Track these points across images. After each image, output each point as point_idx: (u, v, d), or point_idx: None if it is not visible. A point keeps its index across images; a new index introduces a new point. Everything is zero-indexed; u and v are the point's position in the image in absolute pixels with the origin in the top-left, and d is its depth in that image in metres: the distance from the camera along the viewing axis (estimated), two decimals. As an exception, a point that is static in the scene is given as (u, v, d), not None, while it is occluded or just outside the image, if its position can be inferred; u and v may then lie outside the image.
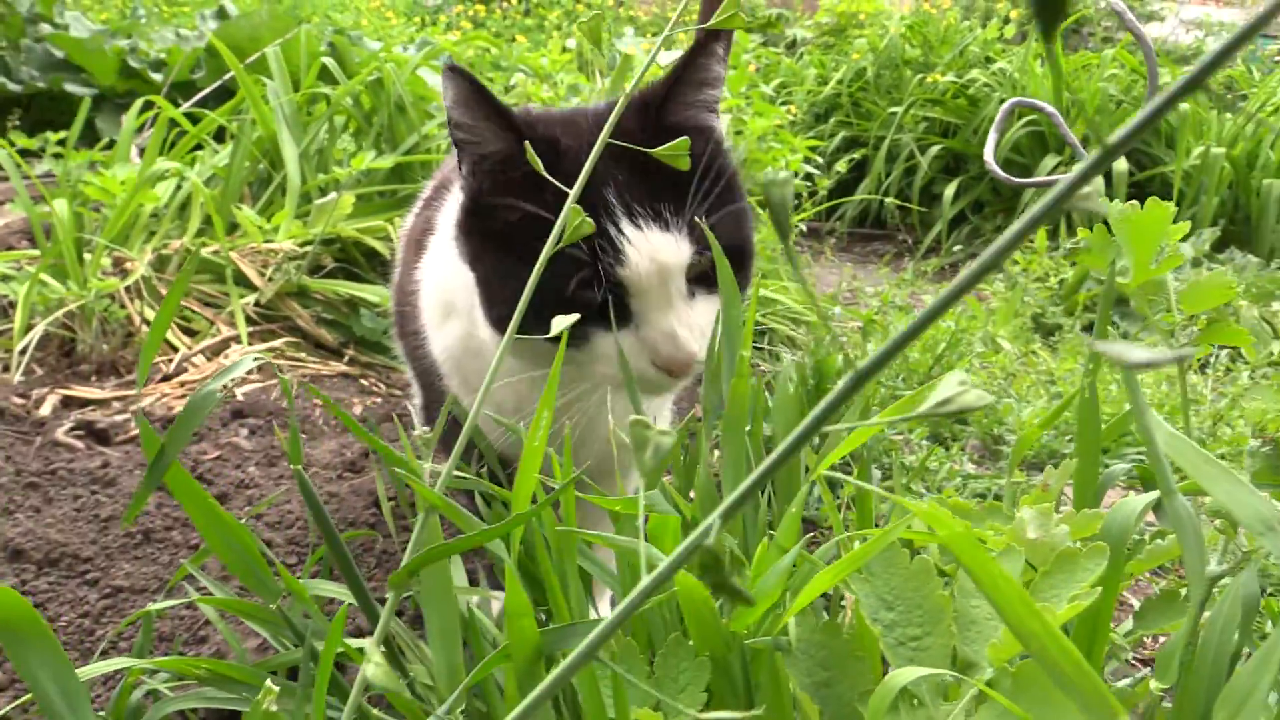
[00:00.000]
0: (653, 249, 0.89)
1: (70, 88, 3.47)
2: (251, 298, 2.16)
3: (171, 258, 2.17)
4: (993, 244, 0.36)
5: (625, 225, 0.89)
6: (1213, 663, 0.52)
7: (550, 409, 0.67)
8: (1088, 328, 3.41)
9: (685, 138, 0.76)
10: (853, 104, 5.18)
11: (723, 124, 3.05)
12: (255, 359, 0.92)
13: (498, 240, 0.93)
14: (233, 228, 2.28)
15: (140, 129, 2.81)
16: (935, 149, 4.65)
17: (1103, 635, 0.49)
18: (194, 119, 2.48)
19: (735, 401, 0.63)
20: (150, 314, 2.06)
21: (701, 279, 0.93)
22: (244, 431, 1.68)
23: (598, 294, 0.89)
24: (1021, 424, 2.03)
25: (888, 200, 4.49)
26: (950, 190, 4.54)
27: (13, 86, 3.35)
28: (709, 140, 0.96)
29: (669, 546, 0.55)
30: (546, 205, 0.88)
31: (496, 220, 0.93)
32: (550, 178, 0.76)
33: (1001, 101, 4.63)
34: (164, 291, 2.13)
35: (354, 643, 0.64)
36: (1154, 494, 0.58)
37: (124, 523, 1.27)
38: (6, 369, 1.91)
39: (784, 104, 5.34)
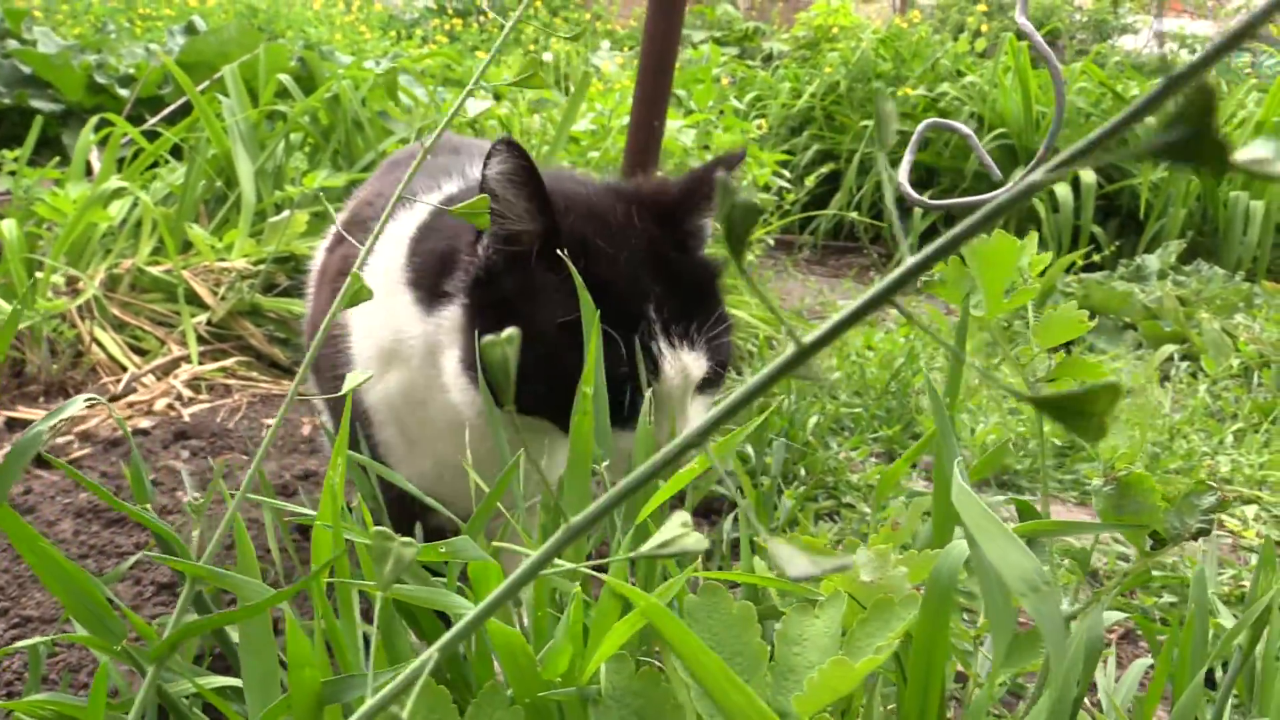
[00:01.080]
0: (684, 366, 0.95)
1: (36, 104, 3.45)
2: (203, 317, 2.15)
3: (123, 277, 2.17)
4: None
5: (663, 343, 0.94)
6: (1053, 707, 0.53)
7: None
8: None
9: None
10: (826, 117, 5.21)
11: (690, 137, 3.00)
12: (87, 399, 0.86)
13: (513, 317, 0.90)
14: (186, 246, 2.28)
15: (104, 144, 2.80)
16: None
17: (936, 677, 0.49)
18: (157, 136, 2.48)
19: (578, 440, 0.63)
20: (100, 334, 2.05)
21: (700, 386, 0.99)
22: (185, 454, 1.68)
23: (626, 398, 0.92)
24: (971, 440, 2.03)
25: (855, 215, 4.51)
26: (921, 203, 4.56)
27: (-28, 102, 3.34)
28: (715, 268, 1.02)
29: (484, 594, 0.55)
30: (576, 306, 0.86)
31: (514, 298, 0.94)
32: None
33: (971, 115, 4.67)
34: (116, 311, 2.12)
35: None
36: None
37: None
38: (-47, 390, 1.90)
39: (758, 117, 5.36)
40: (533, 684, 0.41)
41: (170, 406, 1.91)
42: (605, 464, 0.77)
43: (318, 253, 1.35)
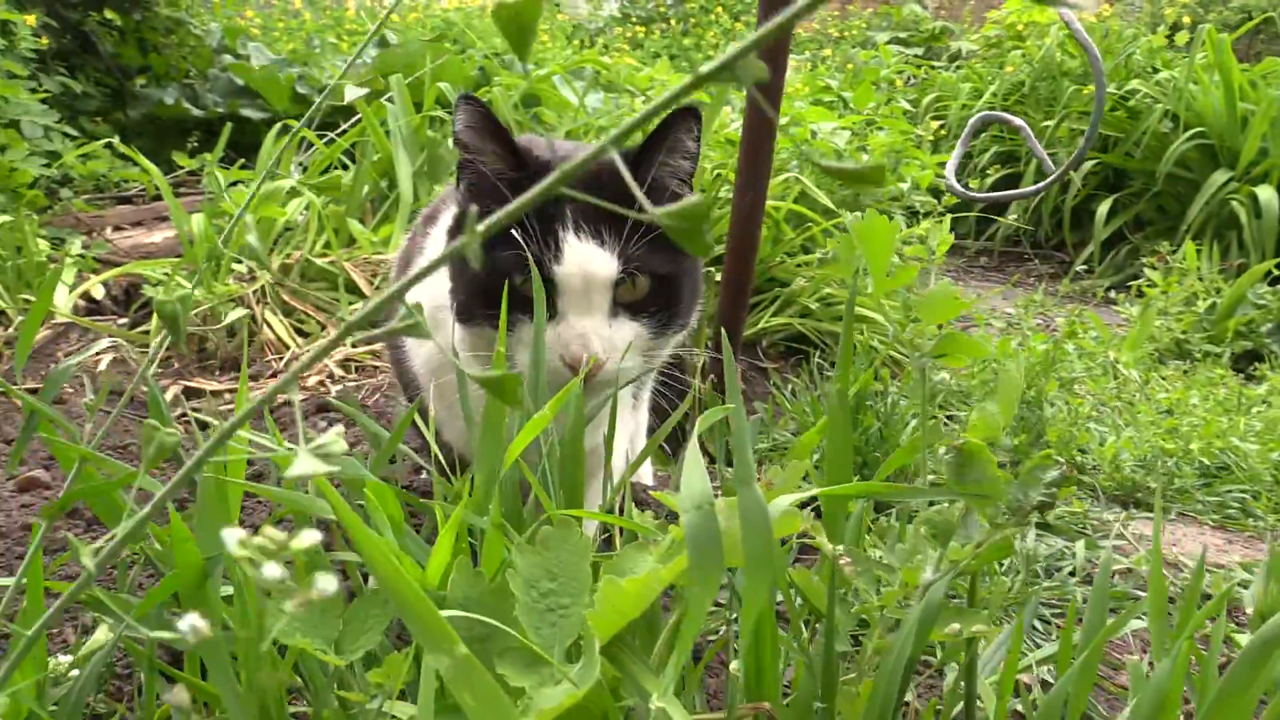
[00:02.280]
0: (585, 258, 1.02)
1: (247, 112, 3.84)
2: (360, 304, 2.35)
3: (293, 267, 2.40)
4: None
5: (569, 234, 1.02)
6: (888, 679, 0.55)
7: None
8: (1242, 357, 3.18)
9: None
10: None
11: (842, 139, 2.99)
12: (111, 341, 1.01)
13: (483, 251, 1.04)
14: (351, 240, 2.49)
15: (300, 150, 3.10)
16: (1090, 164, 4.44)
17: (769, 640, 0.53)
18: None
19: (491, 415, 0.70)
20: (270, 317, 2.28)
21: (631, 307, 1.05)
22: (323, 424, 1.85)
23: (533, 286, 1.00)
24: (1100, 453, 1.94)
25: (1012, 221, 4.31)
26: (1104, 208, 4.32)
27: (196, 111, 3.75)
28: (674, 194, 1.08)
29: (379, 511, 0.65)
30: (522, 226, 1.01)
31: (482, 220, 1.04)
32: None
33: (1165, 114, 4.38)
34: (285, 297, 2.35)
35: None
36: (811, 491, 0.60)
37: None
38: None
39: (937, 119, 5.23)
40: (406, 589, 0.48)
41: (321, 383, 2.10)
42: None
43: (401, 245, 1.49)
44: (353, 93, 0.80)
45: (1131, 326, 3.03)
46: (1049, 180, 1.25)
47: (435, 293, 1.16)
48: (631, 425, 1.30)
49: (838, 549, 0.62)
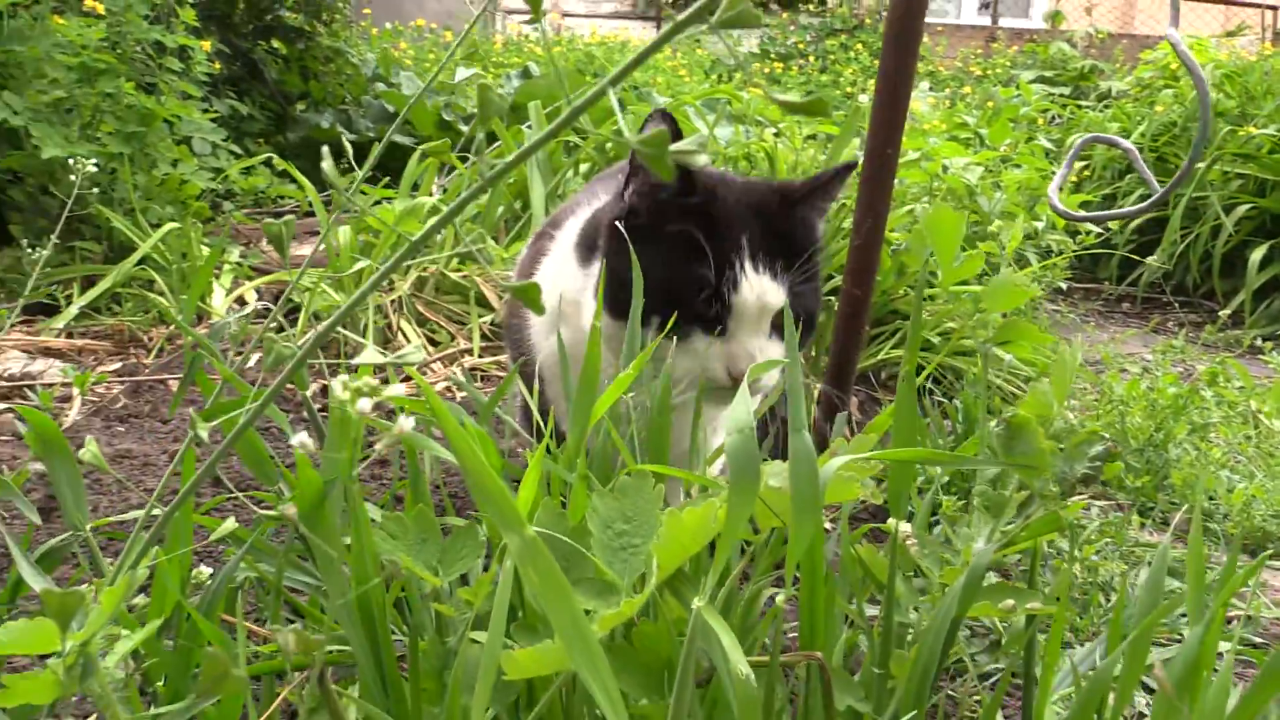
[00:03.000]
0: (762, 289, 1.13)
1: (396, 138, 4.06)
2: (489, 317, 2.46)
3: (429, 280, 2.52)
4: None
5: (748, 265, 1.13)
6: (932, 637, 0.55)
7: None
8: None
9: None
10: (1157, 159, 4.82)
11: (975, 174, 2.97)
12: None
13: (642, 241, 1.12)
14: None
15: (442, 173, 3.27)
16: (1243, 208, 4.24)
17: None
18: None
19: (585, 379, 0.74)
20: (405, 326, 2.41)
21: (776, 327, 1.16)
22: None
23: (711, 308, 1.13)
24: (1227, 498, 1.86)
25: (1151, 260, 4.13)
26: (1258, 254, 4.11)
27: (349, 136, 3.98)
28: (818, 236, 1.22)
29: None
30: (696, 230, 1.13)
31: (646, 229, 1.15)
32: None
33: (1331, 158, 4.14)
34: (420, 308, 2.48)
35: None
36: (866, 454, 0.61)
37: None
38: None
39: (1082, 159, 5.08)
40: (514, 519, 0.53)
41: (448, 389, 2.20)
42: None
43: (521, 252, 1.56)
44: (463, 73, 0.87)
45: (1278, 377, 2.87)
46: (1152, 200, 1.23)
47: (560, 286, 1.25)
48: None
49: (903, 526, 0.64)
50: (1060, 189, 1.17)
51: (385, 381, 0.57)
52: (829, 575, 0.60)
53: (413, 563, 0.62)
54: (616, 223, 1.16)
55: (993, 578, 0.73)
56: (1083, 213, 0.98)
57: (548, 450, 0.91)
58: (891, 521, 0.68)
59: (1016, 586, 0.64)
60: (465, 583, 0.67)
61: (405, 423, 0.51)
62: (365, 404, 0.48)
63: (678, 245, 1.12)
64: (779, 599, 0.59)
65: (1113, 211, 1.38)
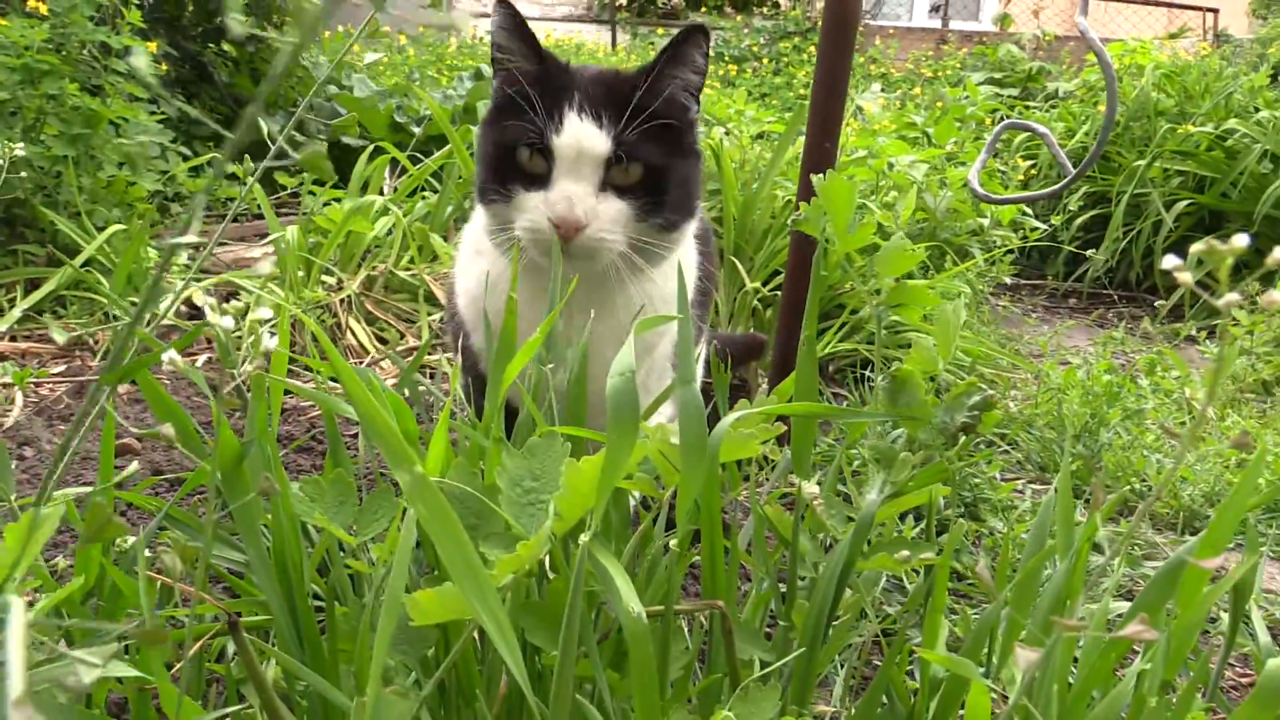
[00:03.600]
0: (581, 133, 1.15)
1: (347, 140, 4.06)
2: (439, 314, 2.47)
3: (378, 278, 2.53)
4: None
5: (571, 113, 1.15)
6: (825, 582, 0.59)
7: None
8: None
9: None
10: (1104, 159, 4.93)
11: (920, 171, 3.05)
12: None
13: (493, 124, 1.23)
14: (433, 256, 2.62)
15: (393, 174, 3.28)
16: (1183, 204, 4.35)
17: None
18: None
19: (502, 345, 0.77)
20: (354, 324, 2.41)
21: (621, 189, 1.17)
22: (393, 421, 1.96)
23: (538, 162, 1.16)
24: (1157, 479, 1.92)
25: (1092, 254, 4.23)
26: (1197, 249, 4.21)
27: (300, 138, 3.96)
28: (674, 107, 1.21)
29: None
30: (531, 89, 1.17)
31: (498, 112, 1.22)
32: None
33: (1264, 154, 4.27)
34: (369, 306, 2.49)
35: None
36: (764, 409, 0.65)
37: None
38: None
39: (1028, 158, 5.18)
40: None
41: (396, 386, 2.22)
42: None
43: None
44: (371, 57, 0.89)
45: (1211, 365, 2.96)
46: (1065, 181, 1.28)
47: (474, 228, 1.34)
48: (670, 410, 1.36)
49: (809, 487, 0.67)
50: (980, 170, 1.21)
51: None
52: (730, 527, 0.63)
53: (329, 523, 0.64)
54: (490, 120, 1.23)
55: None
56: (1000, 195, 1.02)
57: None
58: (799, 485, 0.71)
59: (910, 540, 0.68)
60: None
61: (270, 342, 0.53)
62: (227, 321, 0.51)
63: (513, 108, 1.16)
64: (672, 544, 0.62)
65: (1027, 194, 1.43)
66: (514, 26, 1.18)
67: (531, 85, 1.15)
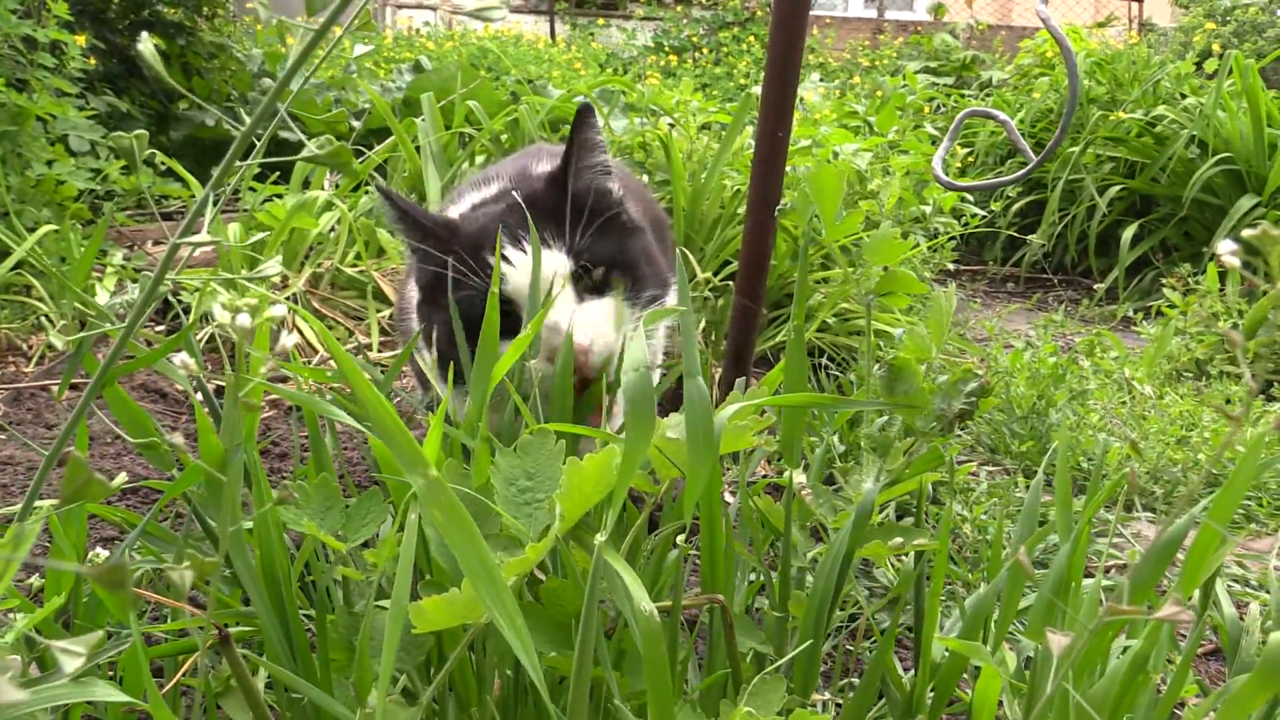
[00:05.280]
0: (527, 264, 1.05)
1: (284, 134, 3.96)
2: (387, 312, 2.43)
3: (325, 275, 2.48)
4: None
5: (509, 249, 1.07)
6: (826, 574, 0.59)
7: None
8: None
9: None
10: (1036, 143, 5.03)
11: (864, 160, 3.08)
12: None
13: (432, 304, 1.15)
14: (380, 251, 2.57)
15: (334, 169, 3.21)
16: (1115, 189, 4.46)
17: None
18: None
19: (484, 349, 0.76)
20: (302, 324, 2.36)
21: (594, 289, 1.11)
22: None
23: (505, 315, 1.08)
24: (1105, 460, 1.96)
25: (1034, 239, 4.32)
26: (1129, 233, 4.33)
27: (236, 133, 3.87)
28: (601, 195, 1.17)
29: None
30: (459, 268, 1.09)
31: (431, 290, 1.15)
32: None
33: (1192, 140, 4.39)
34: (316, 304, 2.43)
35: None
36: (758, 401, 0.65)
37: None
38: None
39: (965, 145, 5.27)
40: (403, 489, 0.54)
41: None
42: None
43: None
44: (360, 49, 0.87)
45: (1149, 346, 3.04)
46: (1028, 168, 1.30)
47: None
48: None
49: (798, 477, 0.67)
50: (944, 160, 1.22)
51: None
52: (729, 520, 0.62)
53: (316, 529, 0.62)
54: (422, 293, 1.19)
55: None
56: (965, 182, 1.03)
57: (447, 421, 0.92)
58: (785, 469, 0.71)
59: (903, 526, 0.68)
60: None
61: (287, 340, 0.51)
62: (244, 319, 0.49)
63: (444, 284, 1.08)
64: (679, 540, 0.61)
65: (992, 180, 1.46)
66: (401, 212, 1.12)
67: (453, 251, 1.08)
